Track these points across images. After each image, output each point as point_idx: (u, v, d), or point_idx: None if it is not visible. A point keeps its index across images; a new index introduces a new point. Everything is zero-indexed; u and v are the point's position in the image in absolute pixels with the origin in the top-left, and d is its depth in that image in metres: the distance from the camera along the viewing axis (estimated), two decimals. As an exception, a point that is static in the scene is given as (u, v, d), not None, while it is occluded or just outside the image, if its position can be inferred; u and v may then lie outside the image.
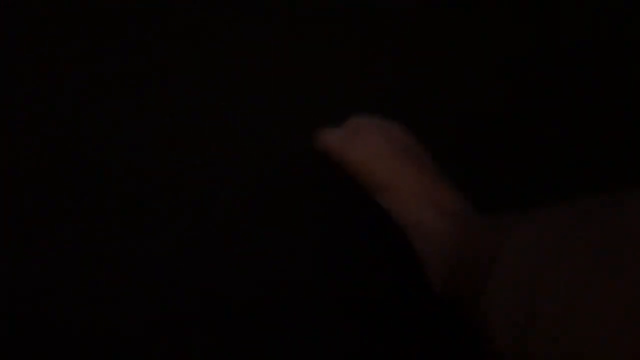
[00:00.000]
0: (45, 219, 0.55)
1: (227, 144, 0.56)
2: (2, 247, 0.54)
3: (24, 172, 0.56)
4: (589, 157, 0.56)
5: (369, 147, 0.43)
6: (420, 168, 0.43)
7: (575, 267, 0.23)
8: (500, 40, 0.58)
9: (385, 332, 0.53)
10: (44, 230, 0.55)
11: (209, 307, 0.53)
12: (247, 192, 0.55)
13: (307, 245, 0.54)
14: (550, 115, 0.57)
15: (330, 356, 0.53)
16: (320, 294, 0.54)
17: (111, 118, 0.57)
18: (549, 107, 0.57)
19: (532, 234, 0.29)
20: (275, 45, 0.58)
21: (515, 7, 0.58)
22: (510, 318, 0.27)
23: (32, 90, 0.57)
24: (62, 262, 0.54)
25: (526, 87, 0.57)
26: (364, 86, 0.57)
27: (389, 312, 0.53)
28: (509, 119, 0.57)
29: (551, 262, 0.25)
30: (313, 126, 0.57)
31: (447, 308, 0.53)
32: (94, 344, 0.53)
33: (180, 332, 0.53)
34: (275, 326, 0.53)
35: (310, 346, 0.53)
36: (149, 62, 0.57)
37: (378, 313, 0.53)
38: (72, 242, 0.55)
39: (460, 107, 0.57)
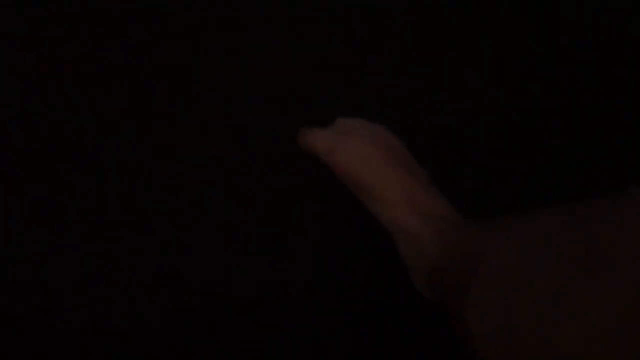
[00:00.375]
0: (45, 219, 0.55)
1: (227, 144, 0.56)
2: (2, 247, 0.54)
3: (24, 172, 0.56)
4: (589, 157, 0.56)
5: (356, 149, 0.43)
6: (407, 171, 0.43)
7: (569, 268, 0.23)
8: (500, 40, 0.58)
9: (385, 332, 0.53)
10: (44, 230, 0.55)
11: (208, 307, 0.53)
12: (247, 192, 0.55)
13: (307, 245, 0.54)
14: (550, 115, 0.57)
15: (330, 356, 0.53)
16: (320, 294, 0.54)
17: (111, 118, 0.57)
18: (549, 107, 0.57)
19: (521, 236, 0.28)
20: (275, 45, 0.58)
21: (515, 7, 0.58)
22: (497, 321, 0.27)
23: (32, 90, 0.57)
24: (62, 262, 0.54)
25: (526, 87, 0.57)
26: (364, 86, 0.57)
27: (389, 312, 0.53)
28: (509, 119, 0.57)
29: (542, 263, 0.25)
30: (313, 126, 0.57)
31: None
32: (93, 344, 0.53)
33: (180, 332, 0.53)
34: (275, 326, 0.53)
35: (310, 346, 0.53)
36: (149, 62, 0.57)
37: (378, 313, 0.53)
38: (72, 242, 0.55)
39: (460, 107, 0.57)
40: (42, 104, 0.57)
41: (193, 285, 0.54)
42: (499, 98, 0.57)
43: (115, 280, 0.54)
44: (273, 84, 0.57)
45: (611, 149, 0.56)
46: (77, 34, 0.58)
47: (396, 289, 0.54)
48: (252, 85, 0.57)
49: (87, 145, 0.56)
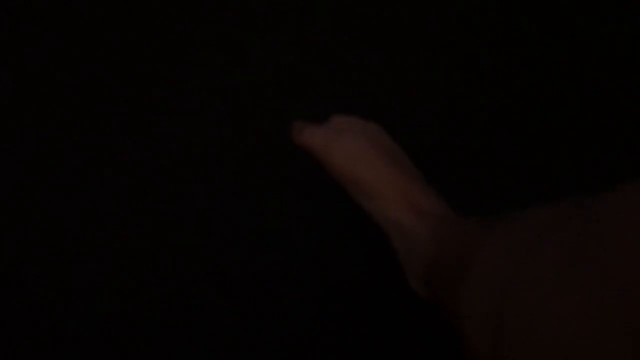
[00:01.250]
0: (46, 218, 0.55)
1: (227, 143, 0.56)
2: (2, 247, 0.55)
3: (24, 172, 0.56)
4: (588, 157, 0.56)
5: (351, 146, 0.43)
6: (401, 170, 0.43)
7: (563, 267, 0.23)
8: (499, 40, 0.58)
9: (383, 330, 0.53)
10: (44, 230, 0.55)
11: (209, 307, 0.54)
12: (247, 191, 0.55)
13: (307, 246, 0.54)
14: (550, 115, 0.57)
15: (330, 355, 0.53)
16: (320, 294, 0.54)
17: (111, 119, 0.57)
18: (548, 107, 0.57)
19: (515, 234, 0.28)
20: (275, 44, 0.58)
21: (514, 7, 0.58)
22: (490, 318, 0.27)
23: (32, 90, 0.57)
24: (62, 262, 0.54)
25: (525, 87, 0.57)
26: (364, 86, 0.57)
27: (388, 311, 0.53)
28: (508, 118, 0.57)
29: (536, 261, 0.25)
30: (308, 122, 0.57)
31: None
32: (93, 344, 0.53)
33: (180, 332, 0.53)
34: (275, 325, 0.53)
35: (310, 345, 0.53)
36: (149, 62, 0.58)
37: (378, 312, 0.53)
38: (71, 242, 0.55)
39: (459, 107, 0.57)
40: (43, 104, 0.57)
41: (192, 284, 0.54)
42: (499, 98, 0.57)
43: (115, 280, 0.54)
44: (272, 81, 0.57)
45: (611, 149, 0.56)
46: (77, 35, 0.58)
47: (395, 287, 0.54)
48: (250, 82, 0.57)
49: (86, 144, 0.56)
